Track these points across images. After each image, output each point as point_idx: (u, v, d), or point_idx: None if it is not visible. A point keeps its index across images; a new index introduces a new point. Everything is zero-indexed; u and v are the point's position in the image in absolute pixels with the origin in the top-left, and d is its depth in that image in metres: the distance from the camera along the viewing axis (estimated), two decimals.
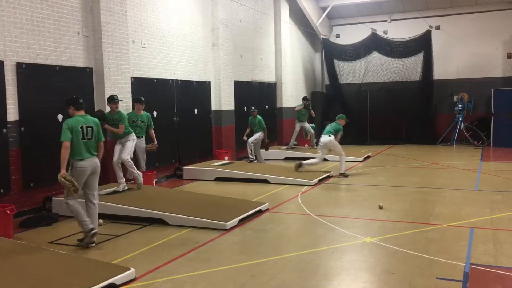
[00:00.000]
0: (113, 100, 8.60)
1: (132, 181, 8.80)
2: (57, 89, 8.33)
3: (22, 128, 7.73)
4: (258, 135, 12.78)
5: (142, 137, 9.44)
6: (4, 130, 7.41)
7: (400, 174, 11.20)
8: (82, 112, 6.11)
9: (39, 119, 8.00)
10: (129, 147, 8.60)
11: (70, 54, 8.62)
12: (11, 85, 7.57)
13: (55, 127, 8.28)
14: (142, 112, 9.45)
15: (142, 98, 9.48)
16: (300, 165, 10.83)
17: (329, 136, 10.90)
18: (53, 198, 7.81)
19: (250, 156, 12.78)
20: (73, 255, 5.35)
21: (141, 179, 8.53)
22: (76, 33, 8.74)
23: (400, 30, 18.15)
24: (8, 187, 7.46)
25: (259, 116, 12.88)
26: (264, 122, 12.91)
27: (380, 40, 17.95)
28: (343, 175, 10.79)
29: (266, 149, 13.16)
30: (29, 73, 7.81)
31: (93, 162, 6.09)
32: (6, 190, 7.41)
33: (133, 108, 9.53)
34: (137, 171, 8.61)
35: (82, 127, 5.99)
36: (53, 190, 8.19)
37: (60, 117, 8.36)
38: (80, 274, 4.68)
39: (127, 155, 8.50)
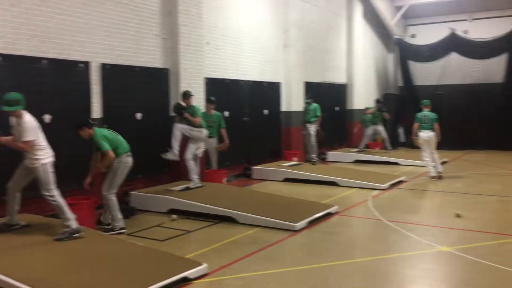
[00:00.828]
0: (187, 95, 8.84)
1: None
2: (137, 88, 8.76)
3: (105, 125, 8.18)
4: (313, 130, 12.43)
5: (213, 136, 9.64)
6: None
7: (480, 181, 10.61)
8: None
9: (120, 117, 8.44)
10: (191, 147, 8.65)
11: (149, 56, 9.01)
12: (95, 85, 8.05)
13: (135, 125, 8.73)
14: (213, 112, 9.68)
15: (212, 98, 9.69)
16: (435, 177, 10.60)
17: (432, 131, 10.55)
18: (131, 192, 8.20)
19: (314, 158, 12.46)
20: (149, 247, 5.58)
21: (194, 183, 8.47)
22: (155, 35, 9.12)
23: (482, 30, 17.18)
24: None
25: (314, 104, 12.65)
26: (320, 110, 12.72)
27: (460, 40, 17.11)
28: (438, 177, 10.48)
29: (322, 139, 12.77)
30: (112, 73, 8.26)
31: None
32: (90, 184, 7.86)
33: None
34: (194, 176, 8.50)
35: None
36: (132, 185, 8.59)
37: (139, 115, 8.78)
38: (156, 267, 4.88)
39: (189, 154, 8.65)
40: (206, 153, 9.35)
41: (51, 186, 5.53)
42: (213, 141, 9.70)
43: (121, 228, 6.54)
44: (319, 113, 12.60)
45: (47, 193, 5.50)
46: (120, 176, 6.63)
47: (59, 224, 6.17)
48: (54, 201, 5.52)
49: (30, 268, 4.67)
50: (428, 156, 10.74)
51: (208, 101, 9.68)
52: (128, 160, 6.69)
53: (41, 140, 5.54)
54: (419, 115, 10.86)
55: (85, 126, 6.24)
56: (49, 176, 5.54)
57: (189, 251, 5.73)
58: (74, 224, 5.56)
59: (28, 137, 5.34)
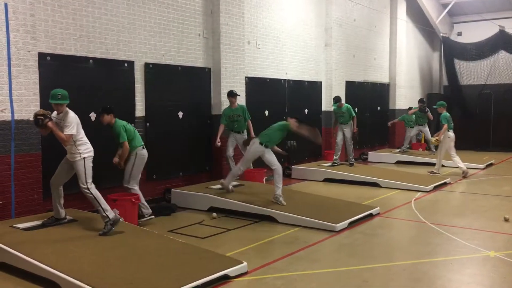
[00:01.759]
0: (232, 94, 8.99)
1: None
2: (179, 87, 8.90)
3: (148, 124, 8.37)
4: (348, 131, 11.43)
5: (242, 131, 9.12)
6: (133, 124, 8.06)
7: None
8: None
9: (162, 116, 8.59)
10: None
11: (191, 55, 9.13)
12: (139, 84, 8.22)
13: (176, 123, 8.86)
14: (237, 105, 9.13)
15: (233, 91, 9.14)
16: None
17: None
18: (172, 190, 8.33)
19: (351, 159, 11.69)
20: (190, 244, 5.64)
21: (229, 181, 8.03)
22: (197, 35, 9.23)
23: None
24: None
25: (346, 104, 11.64)
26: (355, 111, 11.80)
27: (509, 37, 16.41)
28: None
29: (356, 141, 12.10)
30: (155, 73, 8.42)
31: None
32: None
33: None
34: (234, 173, 8.05)
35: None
36: (173, 182, 8.74)
37: (180, 114, 8.91)
38: (197, 263, 4.93)
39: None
40: (241, 150, 9.13)
41: (88, 179, 5.77)
42: (242, 137, 9.11)
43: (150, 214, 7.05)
44: (354, 113, 11.63)
45: (84, 186, 5.74)
46: (137, 169, 7.03)
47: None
48: (90, 194, 5.74)
49: (75, 262, 4.81)
50: (455, 155, 11.13)
51: (230, 94, 9.09)
52: (143, 152, 7.13)
53: (82, 135, 5.81)
54: (447, 115, 11.08)
55: (111, 113, 6.84)
56: (88, 170, 5.78)
57: (229, 249, 5.75)
58: (111, 213, 5.74)
59: (70, 131, 5.61)
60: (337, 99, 11.36)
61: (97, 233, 5.65)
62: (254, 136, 8.91)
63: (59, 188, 5.96)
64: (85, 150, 5.79)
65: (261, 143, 7.60)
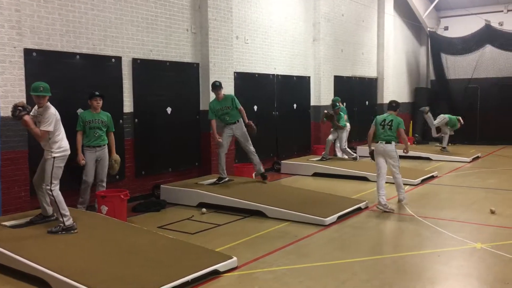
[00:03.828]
0: (215, 86, 8.41)
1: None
2: (167, 83, 8.85)
3: (136, 120, 8.32)
4: (343, 130, 11.51)
5: (237, 121, 8.50)
6: (121, 121, 8.03)
7: None
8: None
9: (150, 111, 8.55)
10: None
11: (179, 50, 9.08)
12: (127, 80, 8.17)
13: (165, 119, 8.82)
14: (223, 95, 8.45)
15: (216, 82, 8.44)
16: None
17: None
18: (161, 186, 8.31)
19: (352, 153, 11.82)
20: (180, 240, 5.64)
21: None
22: (185, 30, 9.19)
23: None
24: (123, 173, 8.07)
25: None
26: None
27: (495, 32, 16.61)
28: None
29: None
30: (142, 68, 8.37)
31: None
32: (121, 177, 8.03)
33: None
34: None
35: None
36: (162, 178, 8.72)
37: (169, 109, 8.87)
38: (186, 259, 4.93)
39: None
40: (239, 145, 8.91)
41: (54, 180, 5.49)
42: (238, 126, 8.54)
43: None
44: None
45: (48, 187, 5.47)
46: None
47: (94, 216, 6.32)
48: (52, 196, 5.46)
49: (64, 259, 4.78)
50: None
51: (213, 87, 8.42)
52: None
53: (59, 133, 5.57)
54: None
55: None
56: (56, 170, 5.50)
57: (219, 244, 5.76)
58: (69, 221, 5.50)
59: (47, 127, 5.40)
60: (333, 104, 11.66)
61: (85, 230, 5.61)
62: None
63: (42, 186, 5.78)
64: (57, 149, 5.51)
65: None
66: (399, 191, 7.87)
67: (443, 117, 13.77)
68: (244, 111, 8.57)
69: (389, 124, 7.64)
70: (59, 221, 5.54)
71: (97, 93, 7.02)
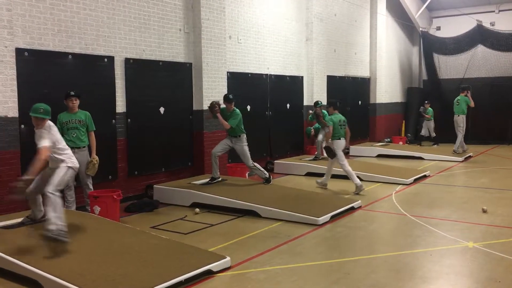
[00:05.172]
0: (228, 99, 8.34)
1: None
2: (160, 83, 8.84)
3: (129, 120, 8.30)
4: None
5: (238, 136, 8.46)
6: (113, 121, 8.00)
7: (506, 176, 10.38)
8: None
9: (143, 111, 8.53)
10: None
11: (172, 50, 9.07)
12: (119, 79, 8.14)
13: (158, 119, 8.81)
14: (233, 108, 8.40)
15: (229, 96, 8.38)
16: None
17: None
18: (154, 186, 8.29)
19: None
20: (173, 240, 5.63)
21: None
22: (178, 30, 9.17)
23: (509, 22, 16.79)
24: (116, 174, 8.06)
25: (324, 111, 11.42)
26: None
27: (486, 32, 16.72)
28: None
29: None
30: (135, 68, 8.35)
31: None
32: (114, 177, 8.01)
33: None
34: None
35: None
36: (155, 178, 8.70)
37: (162, 109, 8.85)
38: (180, 259, 4.93)
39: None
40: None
41: (59, 187, 5.32)
42: (237, 141, 8.49)
43: None
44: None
45: (53, 192, 5.20)
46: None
47: (87, 216, 6.29)
48: (55, 198, 5.19)
49: (56, 260, 4.76)
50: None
51: (226, 99, 8.35)
52: None
53: (62, 144, 5.45)
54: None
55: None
56: (66, 179, 5.42)
57: (212, 244, 5.76)
58: (61, 228, 5.17)
59: (43, 143, 5.12)
60: (323, 108, 11.42)
61: (78, 231, 5.58)
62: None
63: (37, 197, 5.60)
64: (70, 159, 5.45)
65: None
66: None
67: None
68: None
69: (344, 123, 9.07)
70: (51, 224, 5.20)
71: (72, 92, 6.76)
